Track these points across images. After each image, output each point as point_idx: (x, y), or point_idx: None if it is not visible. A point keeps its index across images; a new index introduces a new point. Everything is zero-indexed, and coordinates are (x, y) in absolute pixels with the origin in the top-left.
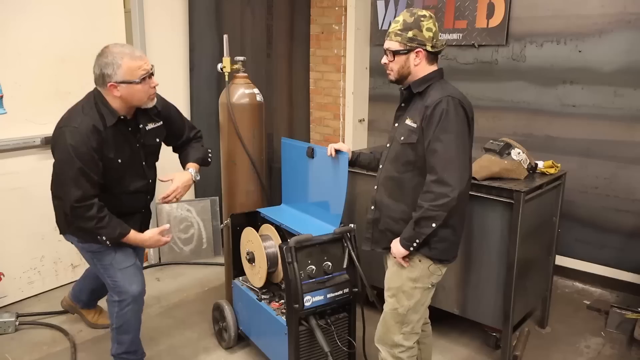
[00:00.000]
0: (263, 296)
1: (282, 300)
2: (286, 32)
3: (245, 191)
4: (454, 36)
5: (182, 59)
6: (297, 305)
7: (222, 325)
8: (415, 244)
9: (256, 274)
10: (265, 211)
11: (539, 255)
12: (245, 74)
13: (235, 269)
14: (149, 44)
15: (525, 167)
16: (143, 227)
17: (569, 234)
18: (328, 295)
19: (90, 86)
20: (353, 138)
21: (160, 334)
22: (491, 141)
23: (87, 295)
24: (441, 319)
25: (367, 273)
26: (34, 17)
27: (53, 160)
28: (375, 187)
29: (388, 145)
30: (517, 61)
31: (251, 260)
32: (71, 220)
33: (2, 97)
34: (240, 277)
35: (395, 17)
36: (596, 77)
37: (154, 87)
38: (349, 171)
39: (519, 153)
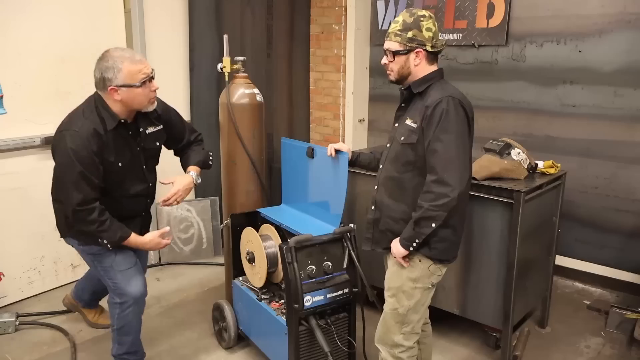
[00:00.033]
0: (263, 296)
1: (282, 300)
2: (286, 32)
3: (245, 191)
4: (454, 36)
5: (182, 59)
6: (297, 305)
7: (222, 325)
8: (415, 244)
9: (256, 274)
10: (265, 211)
11: (539, 255)
12: (245, 74)
13: (235, 269)
14: (149, 44)
15: (525, 167)
16: (143, 230)
17: (569, 234)
18: (328, 295)
19: (91, 86)
20: (353, 138)
21: (160, 334)
22: (491, 141)
23: (89, 295)
24: (441, 319)
25: (367, 273)
26: (34, 17)
27: (53, 163)
28: (376, 187)
29: (388, 145)
30: (517, 61)
31: (251, 260)
32: (72, 223)
33: (2, 97)
34: (240, 277)
35: (395, 17)
36: (596, 77)
37: (154, 90)
38: (349, 171)
39: (519, 153)
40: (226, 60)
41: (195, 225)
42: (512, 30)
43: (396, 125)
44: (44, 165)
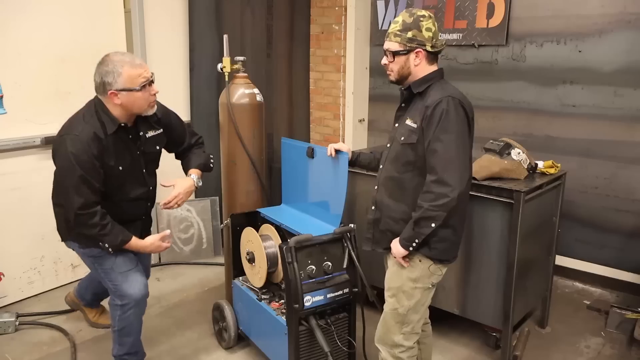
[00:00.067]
0: (263, 296)
1: (282, 300)
2: (286, 32)
3: (245, 191)
4: (454, 36)
5: (182, 59)
6: (297, 305)
7: (222, 325)
8: (414, 244)
9: (256, 274)
10: (265, 211)
11: (539, 255)
12: (245, 74)
13: (235, 269)
14: (149, 44)
15: (525, 167)
16: (144, 234)
17: (569, 234)
18: (328, 295)
19: (91, 86)
20: (353, 138)
21: (160, 334)
22: (491, 141)
23: (91, 295)
24: (441, 319)
25: (367, 273)
26: (34, 17)
27: (53, 163)
28: (376, 187)
29: (388, 145)
30: (517, 61)
31: (251, 260)
32: (74, 227)
33: (2, 97)
34: (240, 277)
35: (395, 17)
36: (596, 77)
37: (154, 94)
38: (349, 171)
39: (519, 153)
40: (226, 60)
41: (195, 225)
42: (512, 30)
43: (396, 125)
44: (44, 166)
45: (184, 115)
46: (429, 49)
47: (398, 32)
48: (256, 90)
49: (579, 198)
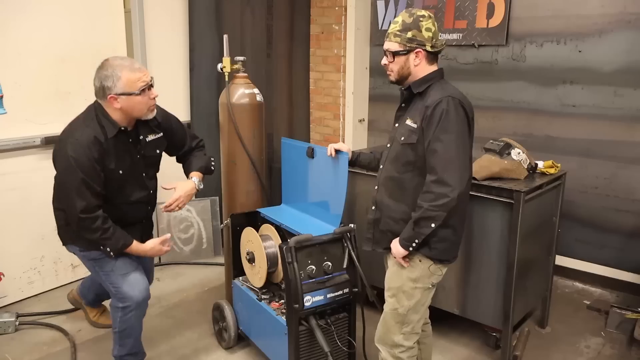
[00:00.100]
0: (263, 296)
1: (282, 300)
2: (286, 32)
3: (245, 191)
4: (454, 36)
5: (182, 59)
6: (297, 305)
7: (222, 325)
8: (414, 244)
9: (256, 274)
10: (265, 211)
11: (539, 255)
12: (245, 74)
13: (235, 269)
14: (149, 44)
15: (525, 167)
16: (144, 237)
17: (569, 234)
18: (328, 295)
19: (91, 86)
20: (353, 138)
21: (160, 334)
22: (491, 141)
23: (93, 295)
24: (441, 319)
25: (367, 273)
26: (34, 17)
27: (54, 166)
28: (376, 187)
29: (388, 145)
30: (517, 61)
31: (251, 260)
32: (76, 230)
33: (2, 97)
34: (240, 277)
35: (394, 18)
36: (596, 77)
37: (154, 98)
38: (349, 171)
39: (519, 153)
40: (226, 60)
41: (195, 225)
42: (512, 30)
43: (396, 125)
44: (44, 166)
45: (184, 115)
46: (428, 49)
47: (398, 32)
48: (256, 90)
49: (579, 198)
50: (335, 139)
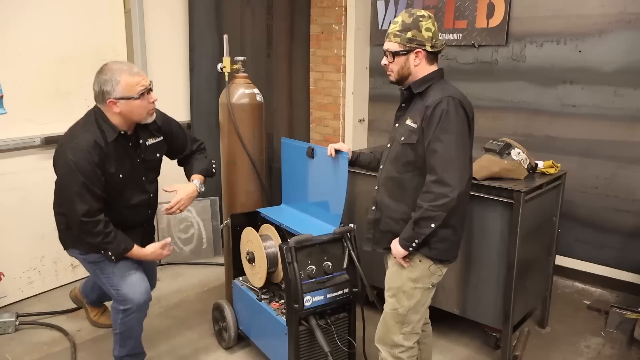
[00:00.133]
0: (263, 296)
1: (282, 300)
2: (286, 32)
3: (245, 191)
4: (454, 36)
5: (182, 59)
6: (297, 305)
7: (222, 325)
8: (414, 244)
9: (256, 274)
10: (265, 211)
11: (539, 255)
12: (245, 74)
13: (235, 269)
14: (149, 44)
15: (525, 167)
16: (145, 241)
17: (569, 234)
18: (328, 295)
19: (90, 86)
20: (353, 138)
21: (160, 334)
22: (491, 141)
23: (96, 296)
24: (441, 319)
25: (367, 273)
26: (34, 17)
27: (54, 165)
28: (376, 187)
29: (389, 145)
30: (517, 61)
31: (251, 260)
32: (78, 234)
33: (2, 97)
34: (240, 277)
35: (394, 18)
36: (596, 77)
37: (153, 102)
38: (349, 171)
39: (519, 153)
40: (226, 60)
41: (195, 225)
42: (512, 30)
43: (396, 125)
44: (44, 165)
45: (184, 115)
46: (428, 49)
47: (398, 33)
48: (256, 90)
49: (579, 198)
50: (335, 139)
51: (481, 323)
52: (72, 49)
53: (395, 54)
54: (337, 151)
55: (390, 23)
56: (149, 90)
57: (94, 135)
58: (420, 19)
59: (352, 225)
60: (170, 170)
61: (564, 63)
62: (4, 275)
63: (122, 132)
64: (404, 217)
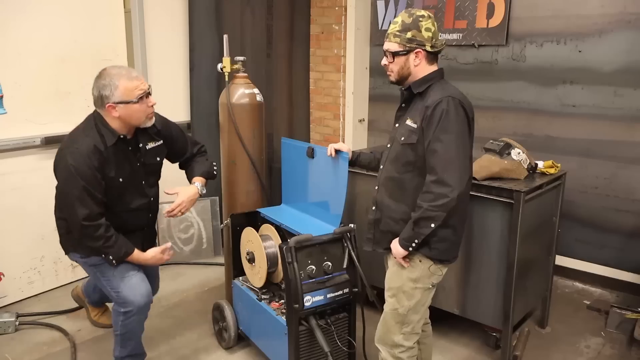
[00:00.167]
0: (263, 296)
1: (282, 300)
2: (286, 32)
3: (245, 191)
4: (454, 36)
5: (182, 59)
6: (297, 305)
7: (222, 325)
8: (414, 244)
9: (256, 274)
10: (265, 211)
11: (539, 255)
12: (245, 74)
13: (235, 269)
14: (149, 44)
15: (525, 167)
16: (146, 245)
17: (569, 234)
18: (328, 295)
19: (90, 86)
20: (353, 138)
21: (160, 334)
22: (491, 141)
23: (98, 297)
24: (441, 319)
25: (367, 273)
26: (34, 17)
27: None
28: (376, 187)
29: (389, 145)
30: (517, 61)
31: (251, 260)
32: (79, 238)
33: (2, 97)
34: (240, 277)
35: (394, 18)
36: (596, 77)
37: (152, 106)
38: (349, 171)
39: (519, 153)
40: (226, 60)
41: (195, 225)
42: (512, 30)
43: (396, 125)
44: (44, 165)
45: (184, 115)
46: (428, 49)
47: (397, 33)
48: (256, 90)
49: (579, 198)
50: (335, 139)
51: (481, 323)
52: (72, 49)
53: (395, 54)
54: (337, 151)
55: (390, 23)
56: (147, 94)
57: (93, 139)
58: (420, 19)
59: (352, 225)
60: (170, 173)
61: (564, 63)
62: (4, 275)
63: (122, 136)
64: (404, 217)
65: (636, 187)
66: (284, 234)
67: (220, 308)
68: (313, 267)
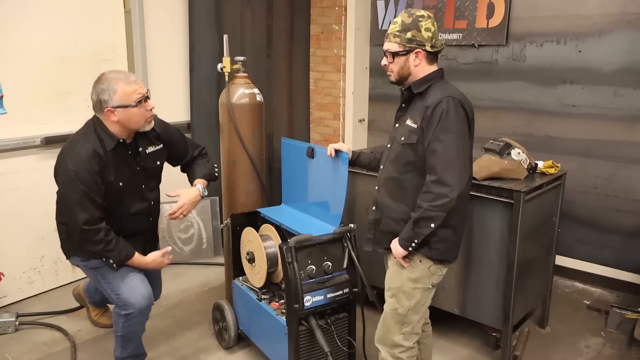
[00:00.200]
0: (263, 296)
1: (282, 300)
2: (286, 32)
3: (245, 191)
4: (454, 36)
5: (182, 59)
6: (297, 305)
7: (222, 325)
8: (414, 244)
9: (256, 274)
10: (265, 211)
11: (539, 255)
12: (245, 74)
13: (235, 269)
14: (149, 44)
15: (525, 167)
16: (147, 248)
17: (569, 234)
18: (328, 295)
19: (90, 86)
20: (353, 138)
21: (161, 334)
22: (491, 141)
23: (99, 298)
24: (441, 319)
25: (367, 273)
26: (34, 17)
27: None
28: (376, 187)
29: (389, 145)
30: (517, 61)
31: (251, 260)
32: (79, 242)
33: (2, 97)
34: (240, 277)
35: (394, 18)
36: (596, 77)
37: (151, 109)
38: (349, 171)
39: (519, 153)
40: (226, 60)
41: (195, 225)
42: (512, 30)
43: (396, 125)
44: (44, 165)
45: (184, 115)
46: (428, 49)
47: (397, 33)
48: (256, 90)
49: (579, 198)
50: (335, 139)
51: (481, 323)
52: (72, 49)
53: (395, 54)
54: (337, 151)
55: (390, 23)
56: (146, 98)
57: (93, 144)
58: (420, 19)
59: (352, 225)
60: (171, 177)
61: (564, 63)
62: (4, 275)
63: (121, 141)
64: (404, 217)
65: (636, 187)
66: (284, 234)
67: (220, 308)
68: (313, 267)
